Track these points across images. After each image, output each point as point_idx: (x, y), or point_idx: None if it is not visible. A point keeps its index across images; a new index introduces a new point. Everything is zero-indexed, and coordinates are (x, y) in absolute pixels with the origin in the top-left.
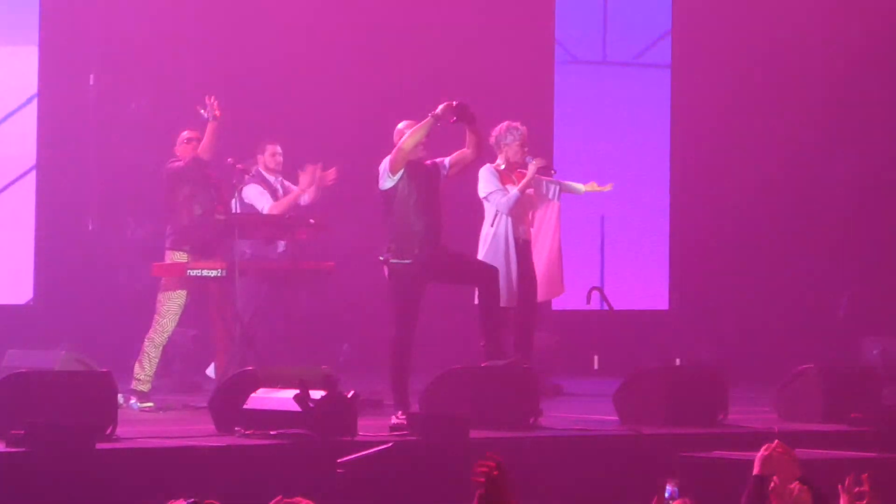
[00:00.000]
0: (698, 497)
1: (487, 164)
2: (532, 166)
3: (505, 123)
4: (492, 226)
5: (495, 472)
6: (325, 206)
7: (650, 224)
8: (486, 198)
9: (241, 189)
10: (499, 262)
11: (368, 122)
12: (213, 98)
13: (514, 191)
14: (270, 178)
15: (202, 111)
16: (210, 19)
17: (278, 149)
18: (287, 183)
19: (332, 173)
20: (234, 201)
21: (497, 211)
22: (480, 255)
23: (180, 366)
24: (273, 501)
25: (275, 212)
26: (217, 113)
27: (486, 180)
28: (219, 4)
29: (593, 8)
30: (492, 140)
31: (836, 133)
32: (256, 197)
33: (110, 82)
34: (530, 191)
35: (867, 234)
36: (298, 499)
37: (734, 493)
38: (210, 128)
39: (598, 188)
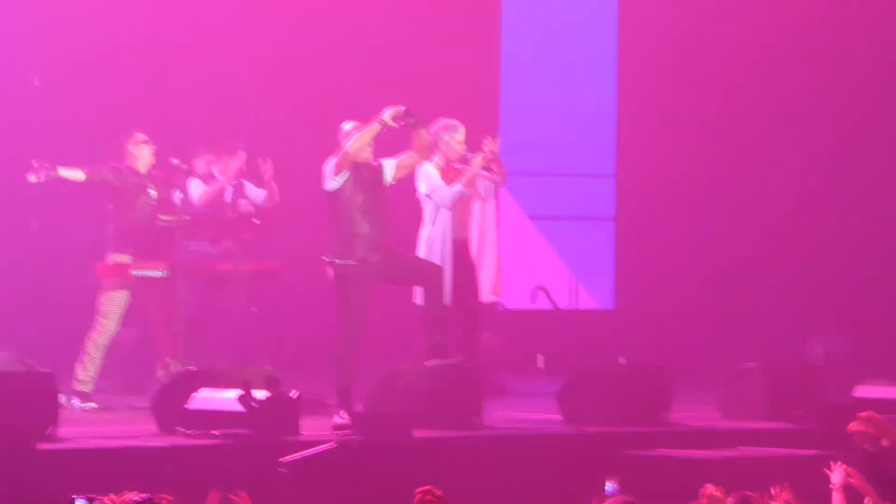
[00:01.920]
0: (641, 494)
1: (425, 162)
2: (477, 161)
3: (442, 121)
4: (432, 226)
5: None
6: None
7: (596, 224)
8: (428, 194)
9: (186, 189)
10: (437, 262)
11: (314, 123)
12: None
13: (457, 185)
14: (221, 178)
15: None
16: (155, 22)
17: (243, 156)
18: (247, 185)
19: (268, 168)
20: (179, 200)
21: (436, 211)
22: (420, 255)
23: (123, 366)
24: (211, 495)
25: (201, 201)
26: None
27: (427, 177)
28: (163, 7)
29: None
30: (430, 138)
31: (780, 134)
32: (193, 188)
33: (54, 83)
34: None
35: (811, 234)
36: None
37: (676, 490)
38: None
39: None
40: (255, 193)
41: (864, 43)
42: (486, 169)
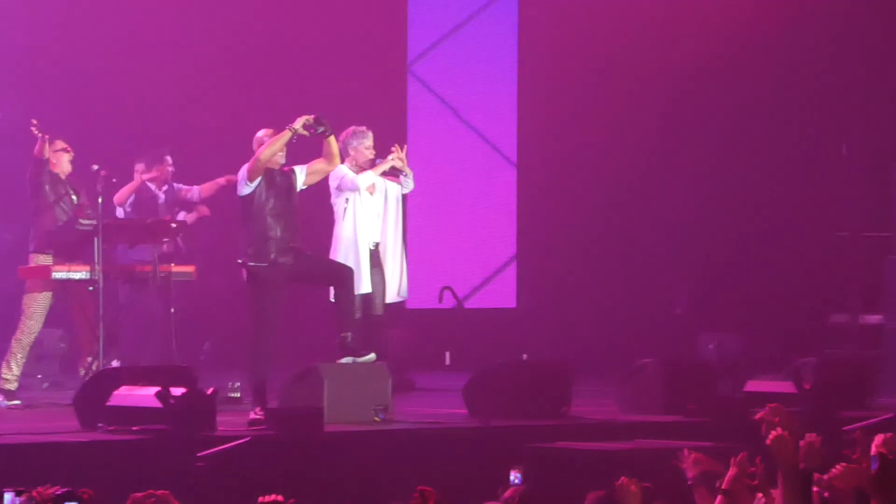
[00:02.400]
0: (544, 485)
1: (339, 164)
2: (387, 161)
3: (351, 128)
4: (343, 227)
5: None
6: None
7: (498, 225)
8: (338, 186)
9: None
10: (348, 262)
11: (229, 130)
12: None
13: (368, 172)
14: (151, 185)
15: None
16: (76, 29)
17: (169, 160)
18: (177, 186)
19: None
20: (99, 205)
21: (345, 213)
22: (333, 256)
23: (47, 365)
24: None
25: (121, 198)
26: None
27: (337, 174)
28: (86, 14)
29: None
30: (339, 145)
31: (675, 138)
32: (121, 195)
33: None
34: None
35: (705, 234)
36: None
37: (576, 480)
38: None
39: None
40: (188, 190)
41: (759, 40)
42: (395, 174)
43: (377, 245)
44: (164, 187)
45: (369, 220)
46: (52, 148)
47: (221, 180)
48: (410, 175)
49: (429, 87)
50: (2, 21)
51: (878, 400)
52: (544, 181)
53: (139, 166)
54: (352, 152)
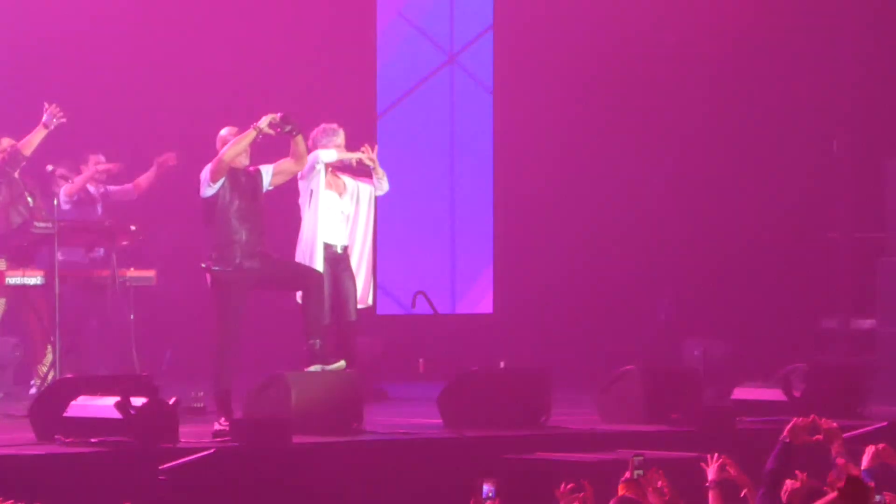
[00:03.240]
0: (520, 498)
1: None
2: (357, 154)
3: (321, 126)
4: (303, 226)
5: None
6: (147, 212)
7: (474, 229)
8: (302, 175)
9: (59, 194)
10: (307, 263)
11: (191, 129)
12: (55, 106)
13: (332, 150)
14: (90, 187)
15: (46, 113)
16: (29, 29)
17: (101, 158)
18: (111, 189)
19: (171, 158)
20: (55, 207)
21: (306, 214)
22: (299, 258)
23: (0, 374)
24: None
25: (70, 191)
26: (63, 120)
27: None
28: (39, 16)
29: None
30: (309, 143)
31: (656, 141)
32: (61, 193)
33: None
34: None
35: (688, 237)
36: None
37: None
38: (39, 131)
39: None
40: (124, 190)
41: (746, 36)
42: (367, 174)
43: (345, 248)
44: (101, 189)
45: (335, 221)
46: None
47: (157, 161)
48: (384, 176)
49: (398, 85)
50: None
51: (870, 408)
52: (521, 185)
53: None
54: (321, 147)
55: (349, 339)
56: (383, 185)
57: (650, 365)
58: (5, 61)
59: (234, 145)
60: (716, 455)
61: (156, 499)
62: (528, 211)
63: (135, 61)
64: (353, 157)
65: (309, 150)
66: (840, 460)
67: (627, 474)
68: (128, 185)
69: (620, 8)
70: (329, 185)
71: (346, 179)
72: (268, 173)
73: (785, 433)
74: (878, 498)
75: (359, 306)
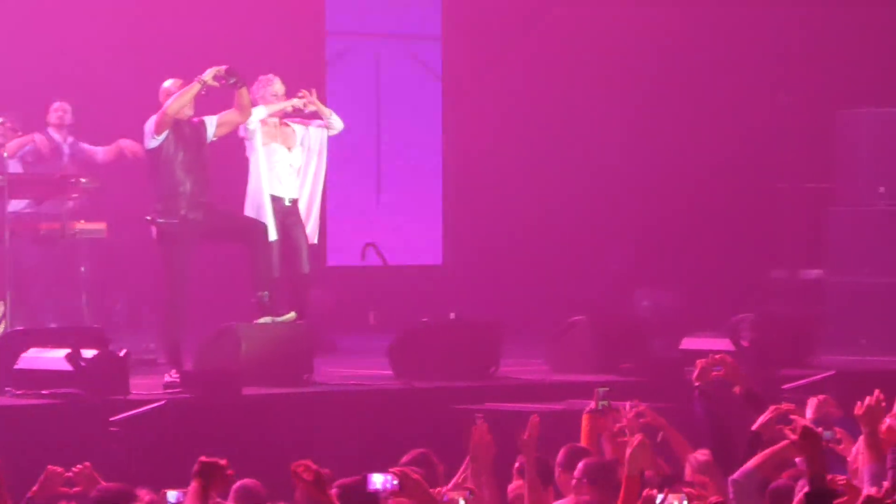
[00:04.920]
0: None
1: None
2: (292, 101)
3: (259, 78)
4: (249, 180)
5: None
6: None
7: (423, 180)
8: (244, 137)
9: (10, 141)
10: (265, 216)
11: (137, 82)
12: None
13: (261, 107)
14: (55, 134)
15: None
16: None
17: (65, 105)
18: (82, 145)
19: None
20: (4, 158)
21: (253, 166)
22: (248, 211)
23: None
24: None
25: (13, 149)
26: None
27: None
28: None
29: None
30: (252, 97)
31: (610, 89)
32: (11, 147)
33: None
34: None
35: (637, 188)
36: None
37: (503, 442)
38: None
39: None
40: (92, 150)
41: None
42: (311, 116)
43: (294, 201)
44: (69, 139)
45: (283, 174)
46: None
47: (122, 144)
48: (332, 114)
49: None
50: None
51: (818, 358)
52: (472, 134)
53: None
54: (261, 101)
55: (302, 291)
56: (334, 124)
57: (599, 315)
58: None
59: (178, 98)
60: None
61: (107, 450)
62: (477, 161)
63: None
64: (284, 105)
65: (252, 104)
66: (783, 407)
67: (592, 405)
68: (98, 149)
69: None
70: (276, 138)
71: (296, 127)
72: (212, 125)
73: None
74: (828, 434)
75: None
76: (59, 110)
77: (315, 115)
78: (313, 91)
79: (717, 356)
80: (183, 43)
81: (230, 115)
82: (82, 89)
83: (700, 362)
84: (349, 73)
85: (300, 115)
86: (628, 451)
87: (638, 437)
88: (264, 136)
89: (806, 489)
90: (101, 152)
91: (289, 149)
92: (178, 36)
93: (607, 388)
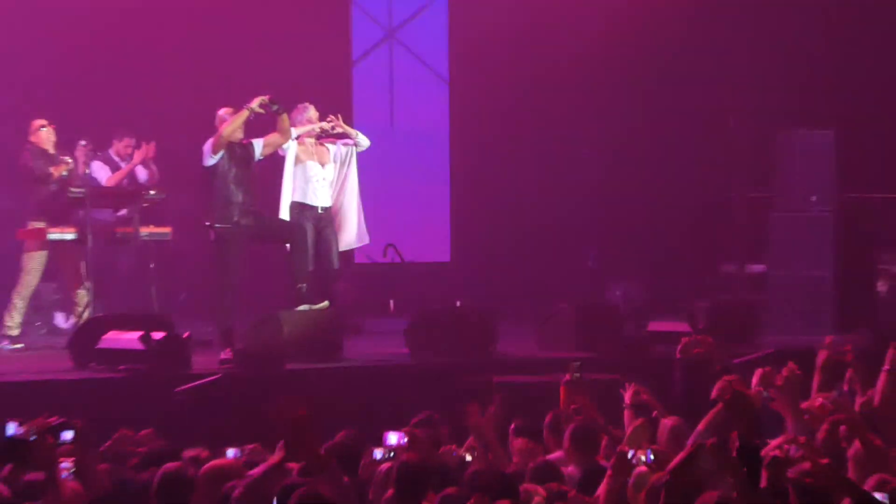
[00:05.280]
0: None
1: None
2: (321, 125)
3: (297, 106)
4: (290, 195)
5: (300, 415)
6: (162, 179)
7: (433, 189)
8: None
9: (90, 164)
10: (294, 222)
11: (194, 111)
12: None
13: (294, 129)
14: (117, 159)
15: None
16: (62, 28)
17: (131, 141)
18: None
19: (151, 148)
20: (87, 175)
21: (289, 180)
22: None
23: (44, 313)
24: (117, 434)
25: (111, 182)
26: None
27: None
28: (68, 10)
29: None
30: (291, 121)
31: (590, 113)
32: (97, 170)
33: None
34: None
35: (612, 198)
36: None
37: (502, 405)
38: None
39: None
40: (141, 174)
41: (663, 29)
42: (342, 136)
43: (326, 209)
44: (123, 162)
45: (318, 187)
46: (32, 128)
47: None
48: (358, 134)
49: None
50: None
51: (761, 338)
52: (476, 157)
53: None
54: (298, 126)
55: (331, 283)
56: (361, 142)
57: (580, 303)
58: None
59: (230, 123)
60: (630, 384)
61: (172, 415)
62: (480, 176)
63: (143, 51)
64: (313, 127)
65: (291, 127)
66: (727, 377)
67: (567, 377)
68: (128, 167)
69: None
70: (312, 156)
71: (329, 146)
72: (259, 145)
73: (678, 352)
74: (765, 395)
75: (357, 245)
76: (130, 147)
77: (343, 136)
78: (339, 116)
79: (698, 336)
80: (232, 77)
81: (273, 137)
82: (147, 117)
83: (684, 340)
84: (368, 94)
85: (331, 136)
86: (629, 430)
87: (640, 420)
88: (302, 154)
89: (737, 444)
90: (146, 175)
91: (322, 165)
92: (227, 71)
93: (580, 363)
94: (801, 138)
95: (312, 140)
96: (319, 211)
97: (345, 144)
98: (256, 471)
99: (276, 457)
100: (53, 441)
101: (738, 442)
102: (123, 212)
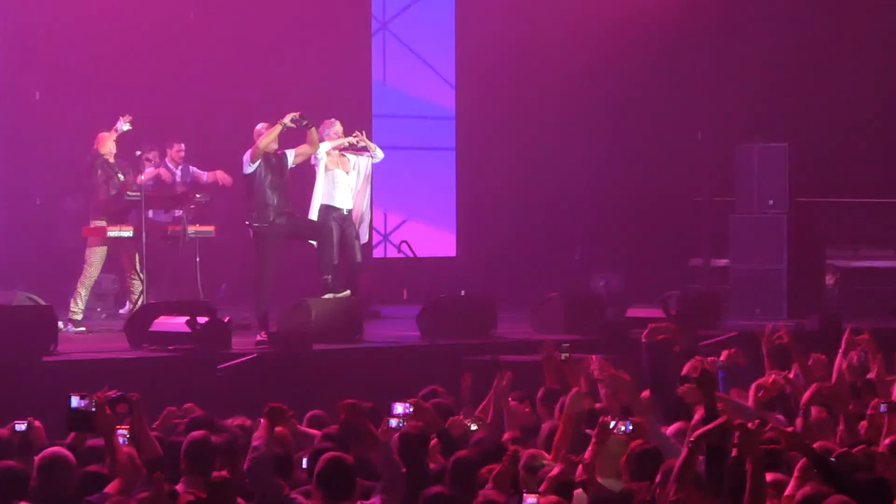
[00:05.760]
0: (476, 387)
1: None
2: (348, 139)
3: (325, 121)
4: (318, 197)
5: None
6: (206, 185)
7: (441, 191)
8: (316, 158)
9: (144, 171)
10: (324, 223)
11: (236, 124)
12: (127, 116)
13: (326, 143)
14: (171, 166)
15: (119, 121)
16: (120, 43)
17: (181, 146)
18: (193, 169)
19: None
20: (142, 179)
21: (319, 186)
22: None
23: (104, 300)
24: (165, 411)
25: (147, 182)
26: (130, 128)
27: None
28: (113, 30)
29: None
30: (319, 134)
31: (574, 132)
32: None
33: (51, 97)
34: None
35: (597, 200)
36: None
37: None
38: (111, 134)
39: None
40: (198, 174)
41: (643, 50)
42: (362, 150)
43: (349, 211)
44: (180, 167)
45: (342, 192)
46: (98, 139)
47: (218, 175)
48: (375, 148)
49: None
50: (65, 46)
51: (725, 322)
52: (480, 166)
53: (151, 154)
54: (326, 139)
55: (354, 275)
56: (378, 154)
57: (568, 292)
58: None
59: (266, 136)
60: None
61: (214, 388)
62: (481, 182)
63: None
64: (343, 141)
65: (320, 140)
66: (698, 357)
67: (543, 356)
68: (204, 173)
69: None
70: (338, 165)
71: (350, 157)
72: (291, 155)
73: (643, 336)
74: (721, 374)
75: (363, 241)
76: (180, 150)
77: (364, 149)
78: (363, 131)
79: (662, 324)
80: (265, 96)
81: (304, 148)
82: (194, 129)
83: (651, 325)
84: (390, 104)
85: (354, 149)
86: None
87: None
88: (331, 163)
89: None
90: (204, 176)
91: (346, 173)
92: (261, 91)
93: (569, 344)
94: (759, 150)
95: (337, 151)
96: (344, 213)
97: (364, 157)
98: (259, 441)
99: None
100: (111, 412)
101: (705, 414)
102: (178, 213)
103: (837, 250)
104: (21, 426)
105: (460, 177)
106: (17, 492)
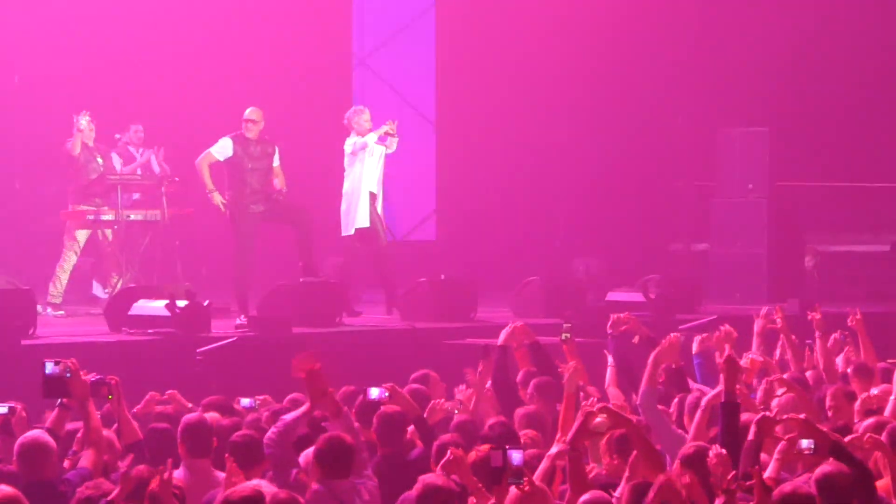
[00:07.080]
0: (453, 372)
1: (347, 138)
2: (379, 130)
3: (353, 108)
4: (351, 181)
5: (315, 367)
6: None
7: (421, 182)
8: (352, 152)
9: (139, 157)
10: (359, 208)
11: (211, 112)
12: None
13: (371, 134)
14: (132, 148)
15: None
16: (95, 31)
17: (139, 128)
18: (147, 152)
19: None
20: (120, 164)
21: (350, 170)
22: (345, 205)
23: (82, 284)
24: (147, 397)
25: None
26: (89, 119)
27: (350, 142)
28: (104, 16)
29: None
30: (346, 121)
31: (557, 121)
32: (115, 160)
33: (31, 83)
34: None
35: (577, 186)
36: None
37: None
38: (76, 136)
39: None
40: (154, 166)
41: (626, 41)
42: (384, 139)
43: (375, 195)
44: (140, 149)
45: (372, 175)
46: (76, 122)
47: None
48: (395, 142)
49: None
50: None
51: (704, 306)
52: (461, 147)
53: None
54: (356, 126)
55: (384, 258)
56: (394, 145)
57: (548, 276)
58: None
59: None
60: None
61: (194, 372)
62: (461, 167)
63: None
64: (381, 130)
65: (346, 128)
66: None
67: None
68: (148, 152)
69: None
70: (372, 154)
71: (373, 143)
72: (277, 157)
73: (608, 327)
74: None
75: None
76: (137, 132)
77: (386, 135)
78: (396, 121)
79: (623, 316)
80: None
81: (279, 168)
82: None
83: (613, 317)
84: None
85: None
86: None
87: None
88: (369, 152)
89: (722, 400)
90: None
91: (377, 161)
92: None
93: (570, 325)
94: (740, 135)
95: (357, 134)
96: (372, 193)
97: (380, 144)
98: (291, 417)
99: (305, 406)
100: (85, 377)
101: (725, 398)
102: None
103: (817, 234)
104: (2, 409)
105: (440, 160)
106: None
